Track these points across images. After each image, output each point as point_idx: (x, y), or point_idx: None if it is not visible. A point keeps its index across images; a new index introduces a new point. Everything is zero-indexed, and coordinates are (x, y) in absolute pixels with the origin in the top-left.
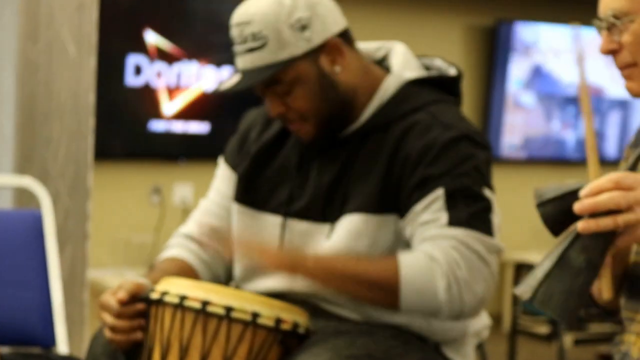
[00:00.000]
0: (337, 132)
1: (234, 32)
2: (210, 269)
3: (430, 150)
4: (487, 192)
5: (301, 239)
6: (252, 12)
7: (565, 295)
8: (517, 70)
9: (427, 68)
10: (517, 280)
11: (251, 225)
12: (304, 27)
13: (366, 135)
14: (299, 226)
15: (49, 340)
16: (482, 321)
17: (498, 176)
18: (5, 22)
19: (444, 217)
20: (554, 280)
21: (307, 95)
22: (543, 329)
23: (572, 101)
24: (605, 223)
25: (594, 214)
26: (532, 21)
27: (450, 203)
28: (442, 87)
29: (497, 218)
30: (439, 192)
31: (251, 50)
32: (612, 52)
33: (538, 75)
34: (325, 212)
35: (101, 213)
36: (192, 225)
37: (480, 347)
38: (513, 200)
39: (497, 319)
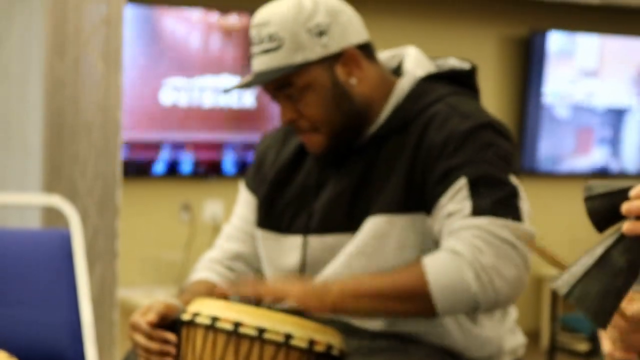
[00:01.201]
0: (350, 143)
1: (253, 33)
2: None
3: (450, 141)
4: (512, 179)
5: (323, 254)
6: (271, 14)
7: (602, 295)
8: (552, 82)
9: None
10: (554, 296)
11: (275, 249)
12: (322, 33)
13: (384, 139)
14: (320, 241)
15: (79, 359)
16: (517, 339)
17: (533, 189)
18: (32, 39)
19: (467, 207)
20: (593, 278)
21: (319, 102)
22: (583, 347)
23: (610, 112)
24: None
25: None
26: (566, 30)
27: (474, 191)
28: (457, 82)
29: (525, 204)
30: (462, 182)
31: (267, 51)
32: None
33: (572, 85)
34: (348, 221)
35: (130, 231)
36: (216, 251)
37: None
38: (554, 216)
39: (535, 336)
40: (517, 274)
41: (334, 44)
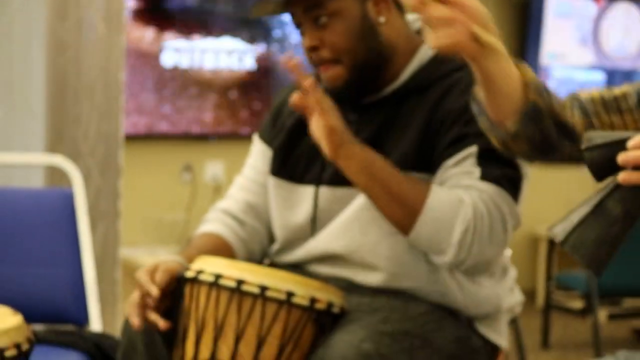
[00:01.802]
0: (369, 89)
1: None
2: (246, 245)
3: (468, 109)
4: (521, 162)
5: (333, 205)
6: None
7: (597, 243)
8: (550, 44)
9: None
10: (550, 255)
11: (286, 198)
12: None
13: (405, 97)
14: (331, 193)
15: (82, 318)
16: (515, 297)
17: None
18: (34, 1)
19: (477, 171)
20: (589, 227)
21: (345, 31)
22: (577, 304)
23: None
24: None
25: (638, 167)
26: None
27: (483, 160)
28: None
29: (524, 192)
30: (473, 150)
31: None
32: None
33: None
34: None
35: (133, 191)
36: (229, 201)
37: (514, 322)
38: (549, 176)
39: (530, 295)
40: (493, 252)
41: None
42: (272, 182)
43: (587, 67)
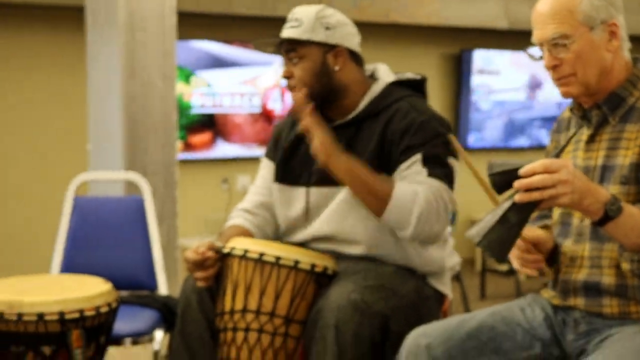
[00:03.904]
0: (334, 113)
1: (287, 17)
2: (261, 230)
3: (410, 128)
4: (452, 161)
5: (321, 200)
6: (302, 8)
7: (501, 242)
8: (477, 85)
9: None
10: None
11: (286, 197)
12: (328, 28)
13: (361, 122)
14: (319, 192)
15: (153, 285)
16: (454, 259)
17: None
18: (112, 65)
19: (424, 171)
20: (495, 232)
21: (307, 69)
22: (504, 268)
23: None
24: (535, 196)
25: (528, 190)
26: (488, 49)
27: (427, 163)
28: (413, 88)
29: (456, 183)
30: (418, 156)
31: (291, 27)
32: (554, 66)
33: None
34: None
35: (186, 199)
36: (246, 202)
37: (459, 280)
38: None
39: (471, 261)
40: (439, 227)
41: (332, 39)
42: (275, 187)
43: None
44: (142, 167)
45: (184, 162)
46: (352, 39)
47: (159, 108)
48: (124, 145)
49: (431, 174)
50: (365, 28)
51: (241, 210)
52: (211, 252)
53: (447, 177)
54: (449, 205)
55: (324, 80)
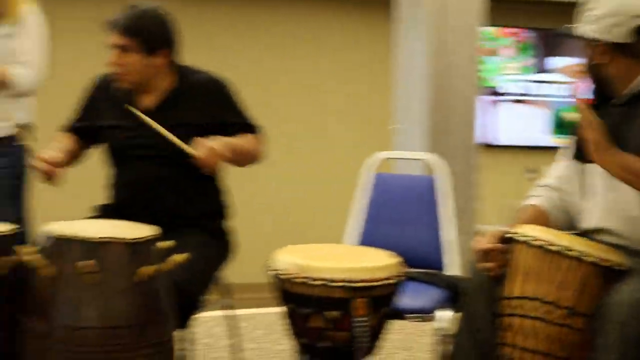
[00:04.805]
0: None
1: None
2: (560, 210)
3: None
4: None
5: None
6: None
7: None
8: None
9: None
10: None
11: (580, 174)
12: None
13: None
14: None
15: (439, 264)
16: None
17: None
18: (418, 49)
19: None
20: None
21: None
22: None
23: None
24: None
25: None
26: None
27: None
28: None
29: None
30: None
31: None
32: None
33: None
34: None
35: (493, 184)
36: (549, 179)
37: None
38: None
39: None
40: None
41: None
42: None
43: None
44: (441, 149)
45: (488, 147)
46: None
47: (461, 92)
48: (428, 128)
49: None
50: None
51: (543, 188)
52: (498, 244)
53: None
54: None
55: None
